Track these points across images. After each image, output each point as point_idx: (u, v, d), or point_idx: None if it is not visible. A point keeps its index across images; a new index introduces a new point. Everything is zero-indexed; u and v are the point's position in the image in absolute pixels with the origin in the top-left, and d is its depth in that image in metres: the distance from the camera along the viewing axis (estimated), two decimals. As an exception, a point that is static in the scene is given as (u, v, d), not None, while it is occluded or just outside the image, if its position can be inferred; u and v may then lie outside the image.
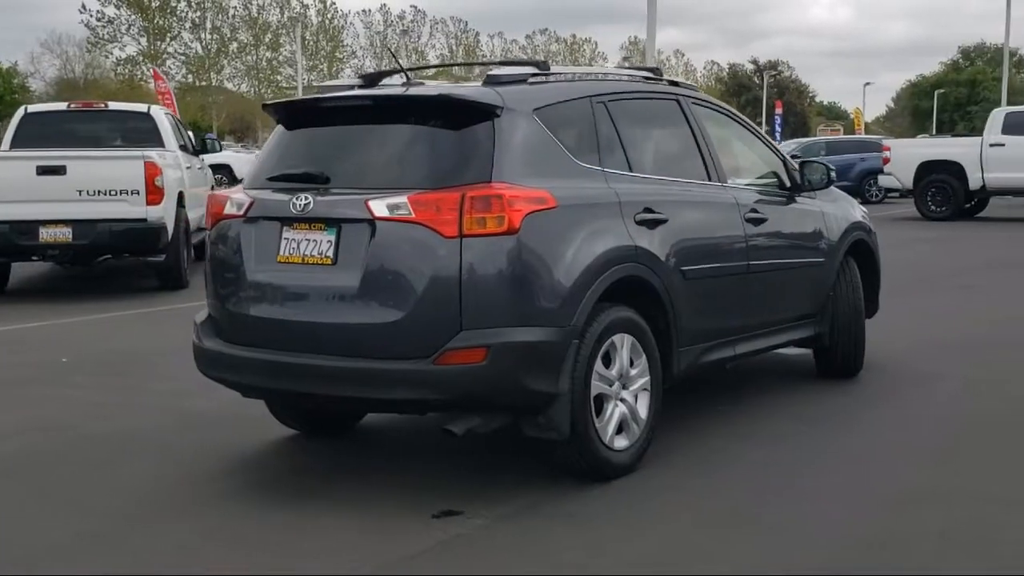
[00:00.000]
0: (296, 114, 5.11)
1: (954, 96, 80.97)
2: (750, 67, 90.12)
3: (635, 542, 4.05)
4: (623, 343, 4.74)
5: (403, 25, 72.67)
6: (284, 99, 5.38)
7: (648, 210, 4.97)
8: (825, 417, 5.89)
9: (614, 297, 4.68)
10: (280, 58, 63.89)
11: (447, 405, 4.40)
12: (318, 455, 5.27)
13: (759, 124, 47.01)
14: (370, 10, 73.19)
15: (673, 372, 5.10)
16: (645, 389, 4.86)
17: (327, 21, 64.25)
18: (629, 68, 5.69)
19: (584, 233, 4.60)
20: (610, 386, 4.68)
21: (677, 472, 4.87)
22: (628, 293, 4.78)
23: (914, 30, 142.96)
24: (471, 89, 4.71)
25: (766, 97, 68.96)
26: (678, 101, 5.68)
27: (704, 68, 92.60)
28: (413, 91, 4.85)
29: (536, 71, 4.93)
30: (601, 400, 4.65)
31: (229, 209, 4.88)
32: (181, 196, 11.70)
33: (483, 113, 4.52)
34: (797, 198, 6.29)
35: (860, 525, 4.19)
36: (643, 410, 4.85)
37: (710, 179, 5.64)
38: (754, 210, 5.83)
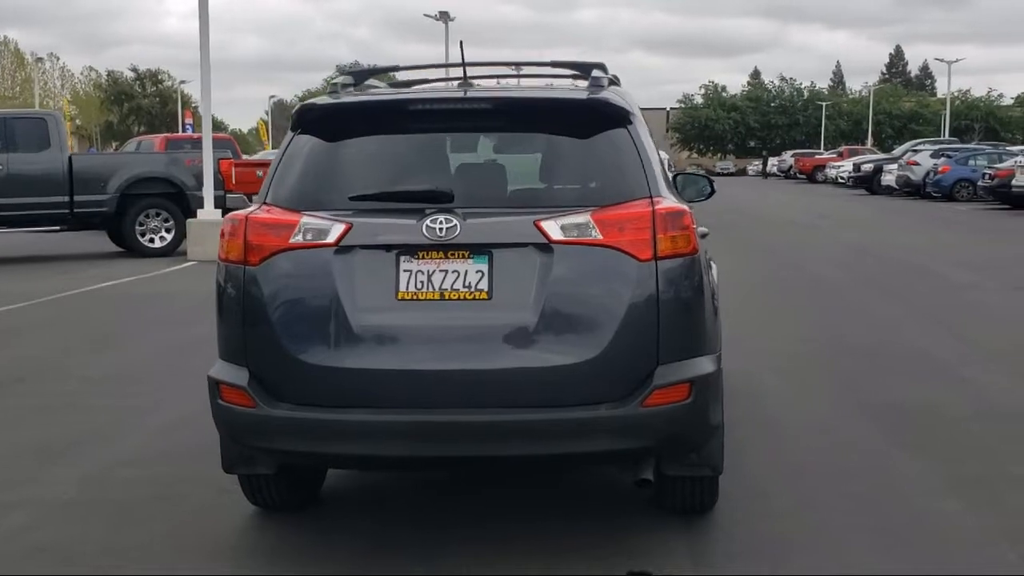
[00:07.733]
0: (360, 118, 4.14)
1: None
2: (130, 75, 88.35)
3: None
4: None
5: None
6: (333, 100, 4.14)
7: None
8: (766, 423, 5.95)
9: None
10: None
11: (644, 454, 3.83)
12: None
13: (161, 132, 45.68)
14: None
15: None
16: (705, 413, 4.63)
17: None
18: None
19: (705, 251, 4.29)
20: (708, 412, 4.40)
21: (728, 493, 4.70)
22: None
23: (266, 46, 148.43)
24: (605, 92, 4.13)
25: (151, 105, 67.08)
26: None
27: (81, 74, 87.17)
28: (546, 94, 4.18)
29: (605, 74, 4.43)
30: (708, 428, 4.35)
31: (299, 237, 3.79)
32: None
33: (620, 119, 4.04)
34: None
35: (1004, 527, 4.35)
36: (711, 435, 4.62)
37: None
38: None
